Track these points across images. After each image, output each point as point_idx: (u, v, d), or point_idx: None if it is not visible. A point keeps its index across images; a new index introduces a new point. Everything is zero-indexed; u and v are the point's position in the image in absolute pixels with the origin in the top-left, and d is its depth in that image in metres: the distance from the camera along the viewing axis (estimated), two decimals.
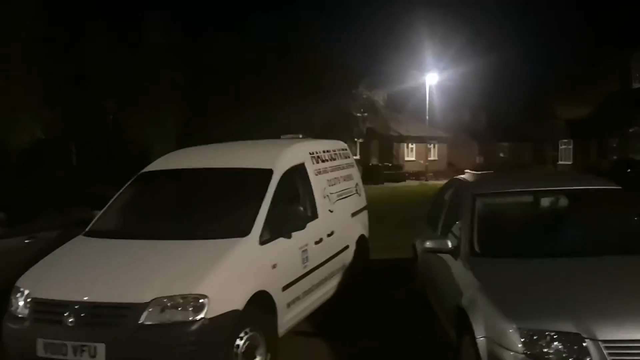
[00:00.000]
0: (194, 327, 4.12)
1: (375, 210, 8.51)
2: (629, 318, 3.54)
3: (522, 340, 3.51)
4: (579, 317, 3.55)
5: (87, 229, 5.47)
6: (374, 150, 41.27)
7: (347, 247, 6.75)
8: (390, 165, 39.33)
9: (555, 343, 3.47)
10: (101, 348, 4.05)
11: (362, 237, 7.32)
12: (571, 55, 40.96)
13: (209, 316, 4.17)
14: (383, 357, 5.32)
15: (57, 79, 20.62)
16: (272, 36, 28.13)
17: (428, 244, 5.07)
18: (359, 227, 7.36)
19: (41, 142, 21.21)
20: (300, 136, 7.32)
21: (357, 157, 32.84)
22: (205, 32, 26.40)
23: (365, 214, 7.73)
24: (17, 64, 19.23)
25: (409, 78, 39.92)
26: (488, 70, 41.02)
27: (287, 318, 5.19)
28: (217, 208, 5.42)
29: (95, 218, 5.63)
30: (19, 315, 4.48)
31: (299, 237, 5.42)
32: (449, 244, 4.89)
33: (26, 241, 6.46)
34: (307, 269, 5.58)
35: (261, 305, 4.72)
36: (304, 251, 5.54)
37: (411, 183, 35.13)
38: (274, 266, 4.97)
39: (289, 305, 5.19)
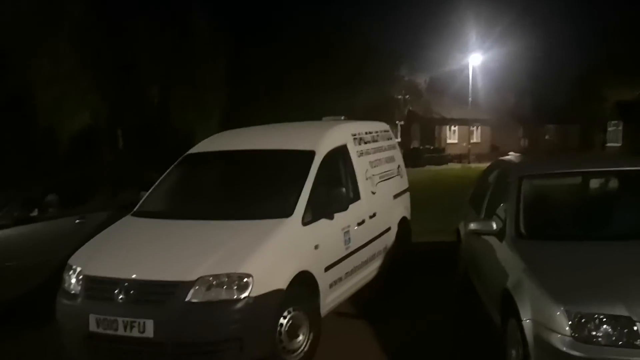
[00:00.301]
0: (239, 305, 4.19)
1: (417, 193, 8.45)
2: None
3: (569, 323, 3.45)
4: (630, 300, 3.45)
5: (134, 210, 5.62)
6: (415, 133, 40.88)
7: (389, 229, 6.73)
8: (432, 148, 38.88)
9: (605, 326, 3.40)
10: (150, 324, 4.16)
11: (404, 219, 7.28)
12: (621, 34, 39.38)
13: (253, 295, 4.23)
14: (426, 341, 5.30)
15: (105, 66, 21.12)
16: (314, 22, 28.02)
17: (472, 225, 5.02)
18: (401, 209, 7.32)
19: (89, 128, 21.80)
20: (342, 118, 7.30)
21: (398, 140, 32.57)
22: (249, 20, 26.51)
23: (407, 196, 7.68)
24: (66, 52, 19.77)
25: (451, 60, 39.20)
26: (534, 50, 39.86)
27: (330, 299, 5.22)
28: (260, 189, 5.48)
29: (142, 199, 5.77)
30: (72, 292, 4.64)
31: (341, 219, 5.43)
32: (494, 226, 4.82)
33: (77, 222, 6.68)
34: (349, 251, 5.59)
35: (304, 285, 4.77)
36: (346, 232, 5.55)
37: (453, 166, 34.67)
38: (316, 247, 5.00)
39: (331, 286, 5.23)
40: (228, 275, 4.26)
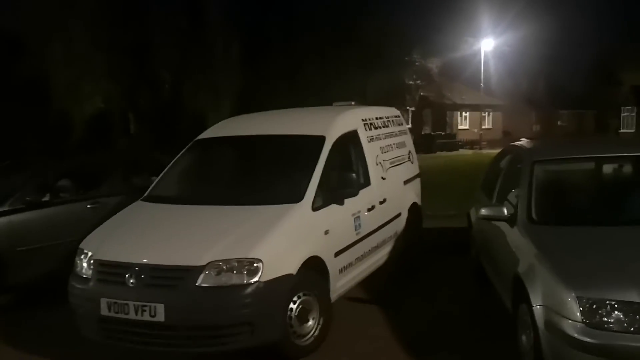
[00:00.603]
0: (249, 289, 4.21)
1: (428, 179, 8.41)
2: None
3: (581, 309, 3.42)
4: None
5: (145, 195, 5.64)
6: (427, 118, 40.66)
7: (399, 214, 6.71)
8: (443, 133, 38.67)
9: (616, 312, 3.37)
10: (160, 308, 4.19)
11: (414, 205, 7.25)
12: (637, 18, 38.77)
13: (263, 280, 4.25)
14: (436, 326, 5.30)
15: (117, 51, 21.14)
16: (328, 6, 27.77)
17: (484, 211, 4.98)
18: (412, 194, 7.29)
19: (103, 112, 21.90)
20: (353, 103, 7.27)
21: (410, 125, 32.42)
22: (263, 4, 26.34)
23: (418, 181, 7.65)
24: (80, 36, 19.82)
25: (464, 44, 38.83)
26: (547, 34, 39.39)
27: (340, 284, 5.23)
28: (270, 174, 5.48)
29: (153, 184, 5.79)
30: (84, 276, 4.68)
31: (352, 204, 5.42)
32: (505, 212, 4.79)
33: (89, 206, 6.72)
34: (360, 236, 5.58)
35: (314, 270, 4.78)
36: (356, 218, 5.54)
37: (465, 152, 34.51)
38: (326, 232, 5.00)
39: (341, 271, 5.23)
40: (238, 260, 4.27)
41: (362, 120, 6.40)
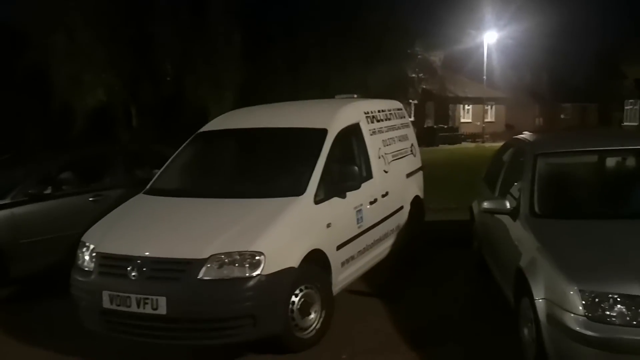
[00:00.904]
0: (251, 283, 4.21)
1: (430, 172, 8.40)
2: None
3: (583, 302, 3.42)
4: None
5: (147, 188, 5.64)
6: (430, 111, 40.54)
7: (401, 207, 6.70)
8: (446, 127, 38.59)
9: (619, 306, 3.36)
10: (162, 301, 4.19)
11: (417, 198, 7.24)
12: None
13: (265, 273, 4.24)
14: (438, 319, 5.30)
15: (119, 43, 21.07)
16: None
17: (486, 204, 4.97)
18: (414, 188, 7.28)
19: (103, 105, 21.85)
20: (355, 96, 7.24)
21: (412, 118, 32.30)
22: None
23: (420, 174, 7.64)
24: (81, 29, 19.76)
25: (467, 37, 38.63)
26: (550, 27, 39.21)
27: (342, 277, 5.23)
28: (272, 167, 5.47)
29: (155, 177, 5.79)
30: (85, 269, 4.69)
31: (354, 197, 5.41)
32: (508, 205, 4.78)
33: (90, 199, 6.73)
34: (362, 229, 5.58)
35: (316, 263, 4.77)
36: (359, 211, 5.54)
37: (467, 145, 34.46)
38: (328, 225, 4.99)
39: (343, 264, 5.22)
40: (240, 253, 4.27)
41: (364, 113, 6.38)
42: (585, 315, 3.39)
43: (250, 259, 4.26)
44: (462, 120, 42.62)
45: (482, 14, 38.47)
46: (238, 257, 4.26)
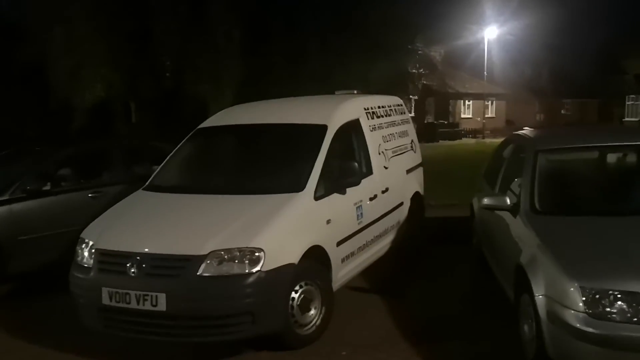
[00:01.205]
0: (251, 279, 4.20)
1: (431, 168, 8.38)
2: None
3: (583, 299, 3.41)
4: None
5: (146, 184, 5.62)
6: (430, 107, 40.46)
7: (401, 204, 6.69)
8: (446, 122, 38.54)
9: (619, 303, 3.36)
10: (162, 297, 4.18)
11: (417, 194, 7.23)
12: None
13: (265, 269, 4.23)
14: (438, 316, 5.29)
15: (118, 36, 20.99)
16: None
17: (486, 201, 4.96)
18: (414, 184, 7.27)
19: (103, 100, 21.80)
20: (355, 92, 7.22)
21: (412, 114, 32.25)
22: None
23: (420, 170, 7.62)
24: (80, 22, 19.69)
25: (467, 32, 38.53)
26: (551, 22, 39.03)
27: (342, 273, 5.22)
28: (272, 163, 5.46)
29: (154, 173, 5.77)
30: (85, 265, 4.67)
31: (354, 193, 5.40)
32: (508, 201, 4.77)
33: (89, 195, 6.71)
34: (362, 225, 5.57)
35: (316, 259, 4.76)
36: (358, 207, 5.52)
37: (467, 141, 34.40)
38: (328, 221, 4.98)
39: (343, 260, 5.22)
40: (240, 250, 4.25)
41: (364, 109, 6.36)
42: (585, 312, 3.39)
43: (250, 255, 4.24)
44: (463, 116, 42.55)
45: (483, 9, 38.38)
46: (238, 253, 4.25)
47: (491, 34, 39.04)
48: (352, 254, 5.41)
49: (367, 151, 6.07)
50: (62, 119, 20.13)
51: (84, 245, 4.76)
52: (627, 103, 37.46)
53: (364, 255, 5.71)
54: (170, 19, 22.21)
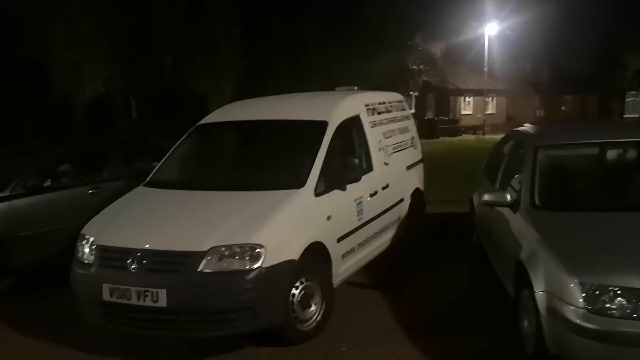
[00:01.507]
0: (251, 275, 4.20)
1: (431, 164, 8.39)
2: None
3: (583, 295, 3.42)
4: None
5: (146, 180, 5.63)
6: (430, 103, 40.45)
7: (402, 200, 6.69)
8: (446, 119, 38.52)
9: (619, 299, 3.36)
10: (162, 293, 4.19)
11: (417, 190, 7.23)
12: None
13: (265, 265, 4.24)
14: (438, 311, 5.30)
15: (118, 32, 20.96)
16: None
17: (486, 197, 4.97)
18: (414, 180, 7.27)
19: (103, 96, 21.79)
20: (355, 88, 7.22)
21: (413, 110, 32.21)
22: None
23: (421, 167, 7.63)
24: (80, 18, 19.66)
25: (467, 29, 38.45)
26: (551, 18, 38.96)
27: (342, 269, 5.23)
28: (272, 160, 5.45)
29: (155, 169, 5.78)
30: (85, 262, 4.68)
31: (354, 190, 5.40)
32: (508, 197, 4.77)
33: (90, 192, 6.72)
34: (362, 222, 5.57)
35: (316, 256, 4.77)
36: (359, 203, 5.53)
37: (468, 137, 34.39)
38: (328, 218, 4.99)
39: (343, 256, 5.22)
40: (240, 246, 4.26)
41: (365, 105, 6.35)
42: (585, 308, 3.39)
43: (251, 251, 4.25)
44: (463, 112, 42.52)
45: (483, 5, 38.29)
46: (238, 249, 4.25)
47: (491, 30, 38.97)
48: (353, 250, 5.42)
49: (368, 147, 6.07)
50: (62, 115, 20.11)
51: (84, 241, 4.77)
52: (627, 99, 37.41)
53: (364, 251, 5.71)
54: (171, 16, 22.17)
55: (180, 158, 5.87)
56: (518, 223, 4.54)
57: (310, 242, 4.66)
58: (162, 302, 4.19)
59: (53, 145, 7.45)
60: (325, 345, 4.62)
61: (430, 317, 5.16)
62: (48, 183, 6.50)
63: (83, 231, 4.90)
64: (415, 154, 7.46)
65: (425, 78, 34.62)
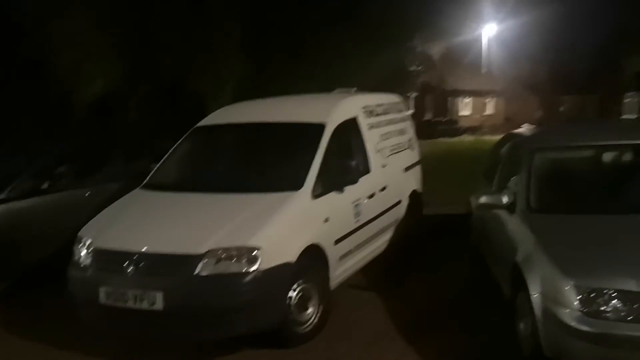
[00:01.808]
0: (248, 278, 4.21)
1: (429, 165, 8.40)
2: None
3: (578, 297, 3.43)
4: None
5: (144, 182, 5.63)
6: (429, 104, 40.48)
7: (399, 202, 6.70)
8: (445, 120, 38.57)
9: (614, 301, 3.38)
10: (159, 296, 4.20)
11: (414, 192, 7.25)
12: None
13: (262, 268, 4.25)
14: (435, 312, 5.32)
15: (117, 32, 20.92)
16: None
17: (483, 199, 4.98)
18: (412, 182, 7.29)
19: (102, 96, 21.75)
20: (354, 90, 7.23)
21: (412, 111, 32.21)
22: None
23: (418, 168, 7.63)
24: (80, 16, 19.63)
25: (466, 30, 38.47)
26: (550, 19, 38.98)
27: (339, 271, 5.24)
28: (270, 162, 5.47)
29: (152, 171, 5.78)
30: (82, 264, 4.68)
31: (351, 192, 5.41)
32: (505, 200, 4.78)
33: (87, 194, 6.71)
34: (359, 223, 5.58)
35: (314, 258, 4.78)
36: (356, 205, 5.54)
37: (466, 138, 34.42)
38: (326, 220, 5.00)
39: (341, 258, 5.23)
40: (237, 249, 4.27)
41: (363, 107, 6.37)
42: (580, 311, 3.41)
43: (248, 254, 4.26)
44: (462, 113, 42.58)
45: (482, 6, 38.35)
46: (235, 252, 4.26)
47: (490, 31, 39.05)
48: (350, 252, 5.43)
49: (365, 149, 6.08)
50: (61, 115, 20.07)
51: (81, 244, 4.77)
52: (625, 100, 37.47)
53: (362, 253, 5.73)
54: (170, 15, 22.13)
55: (178, 160, 5.88)
56: (514, 225, 4.55)
57: (307, 244, 4.67)
58: (159, 305, 4.19)
59: (51, 146, 7.43)
60: (322, 346, 4.64)
61: (427, 317, 5.17)
62: (45, 185, 6.50)
63: (80, 234, 4.90)
64: (412, 156, 7.47)
65: (424, 79, 34.65)
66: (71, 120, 20.15)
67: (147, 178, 5.69)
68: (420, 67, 32.80)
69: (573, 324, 3.41)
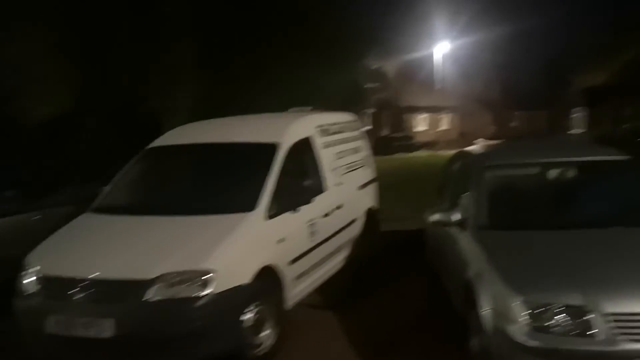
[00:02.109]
0: (201, 302, 4.15)
1: (385, 181, 8.48)
2: (636, 291, 3.51)
3: (527, 313, 3.49)
4: (586, 289, 3.51)
5: (93, 206, 5.50)
6: (385, 120, 41.02)
7: (355, 220, 6.74)
8: (401, 136, 39.11)
9: (560, 316, 3.45)
10: (110, 323, 4.09)
11: (370, 209, 7.30)
12: (590, 23, 40.05)
13: (216, 291, 4.20)
14: (391, 331, 5.33)
15: (69, 53, 20.51)
16: (282, 5, 27.42)
17: (435, 216, 5.05)
18: (368, 199, 7.34)
19: (56, 117, 21.23)
20: (309, 109, 7.26)
21: (369, 127, 32.57)
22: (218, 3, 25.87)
23: (374, 186, 7.70)
24: (30, 35, 19.16)
25: (420, 47, 39.32)
26: (502, 37, 40.20)
27: (295, 291, 5.22)
28: (223, 183, 5.41)
29: (102, 194, 5.65)
30: (29, 292, 4.53)
31: (306, 211, 5.41)
32: (456, 217, 4.86)
33: (34, 218, 6.51)
34: (315, 243, 5.58)
35: (268, 279, 4.75)
36: (311, 225, 5.54)
37: (422, 153, 34.94)
38: (280, 240, 4.98)
39: (297, 278, 5.22)
40: (190, 272, 4.21)
41: (317, 126, 6.40)
42: (528, 326, 3.47)
43: (200, 277, 4.20)
44: (418, 128, 43.28)
45: (435, 24, 39.25)
46: (188, 276, 4.20)
47: (443, 48, 39.94)
48: (306, 271, 5.42)
49: (320, 168, 6.11)
50: (9, 137, 19.48)
51: (28, 271, 4.61)
52: (573, 115, 38.84)
53: (318, 272, 5.72)
54: (125, 34, 21.83)
55: (128, 182, 5.77)
56: (465, 242, 4.62)
57: (261, 266, 4.64)
58: (109, 332, 4.09)
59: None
60: None
61: (383, 336, 5.18)
62: None
63: (27, 260, 4.74)
64: (368, 173, 7.54)
65: (379, 95, 35.13)
66: (20, 142, 19.58)
67: (97, 201, 5.56)
68: (375, 84, 33.24)
69: (522, 339, 3.47)
